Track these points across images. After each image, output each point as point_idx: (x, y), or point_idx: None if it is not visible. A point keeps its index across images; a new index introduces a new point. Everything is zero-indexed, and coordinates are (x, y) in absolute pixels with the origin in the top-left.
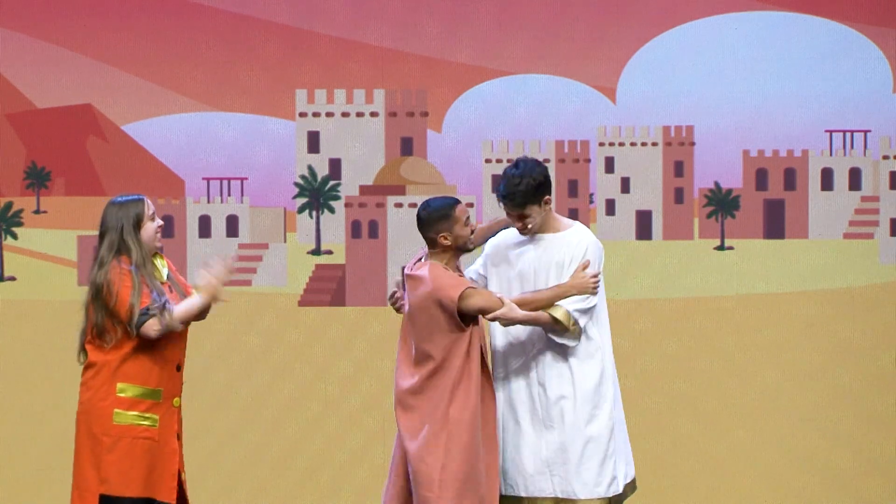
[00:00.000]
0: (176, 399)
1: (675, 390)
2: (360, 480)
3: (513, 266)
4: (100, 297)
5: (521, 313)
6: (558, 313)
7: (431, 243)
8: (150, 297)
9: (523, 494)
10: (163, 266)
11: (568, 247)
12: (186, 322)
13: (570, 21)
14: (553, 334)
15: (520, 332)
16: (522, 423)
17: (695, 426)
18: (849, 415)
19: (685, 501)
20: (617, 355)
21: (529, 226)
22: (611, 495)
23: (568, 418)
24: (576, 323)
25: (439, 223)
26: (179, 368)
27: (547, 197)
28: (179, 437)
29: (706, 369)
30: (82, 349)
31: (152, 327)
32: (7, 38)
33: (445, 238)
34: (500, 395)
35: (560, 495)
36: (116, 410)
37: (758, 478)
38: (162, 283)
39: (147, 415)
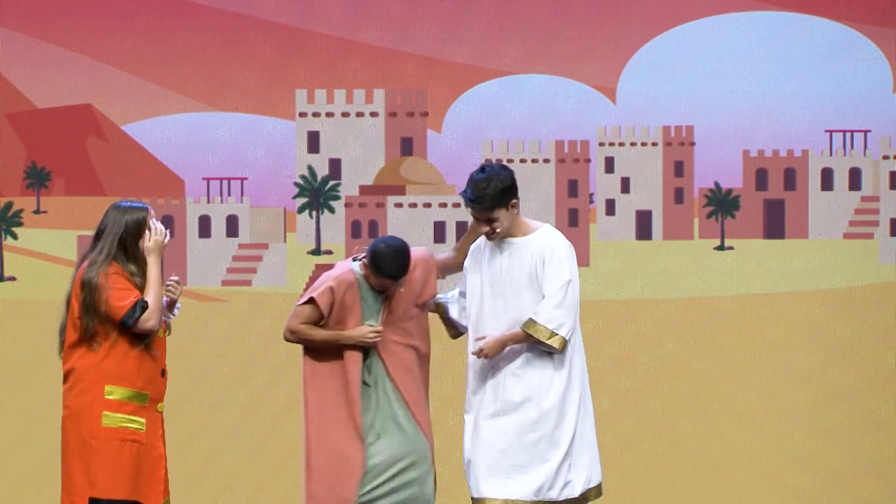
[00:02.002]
0: (160, 404)
1: (674, 390)
2: None
3: (484, 273)
4: (90, 302)
5: (498, 339)
6: (531, 328)
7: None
8: (137, 295)
9: (475, 496)
10: None
11: (537, 250)
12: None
13: (570, 21)
14: (540, 346)
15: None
16: (484, 425)
17: (694, 426)
18: (848, 415)
19: (685, 501)
20: (617, 356)
21: (497, 230)
22: (563, 499)
23: (530, 420)
24: (554, 334)
25: (377, 271)
26: (164, 374)
27: (514, 201)
28: (163, 444)
29: (706, 369)
30: (62, 348)
31: (147, 321)
32: (7, 38)
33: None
34: (472, 401)
35: (510, 497)
36: (105, 413)
37: (757, 478)
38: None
39: (134, 418)
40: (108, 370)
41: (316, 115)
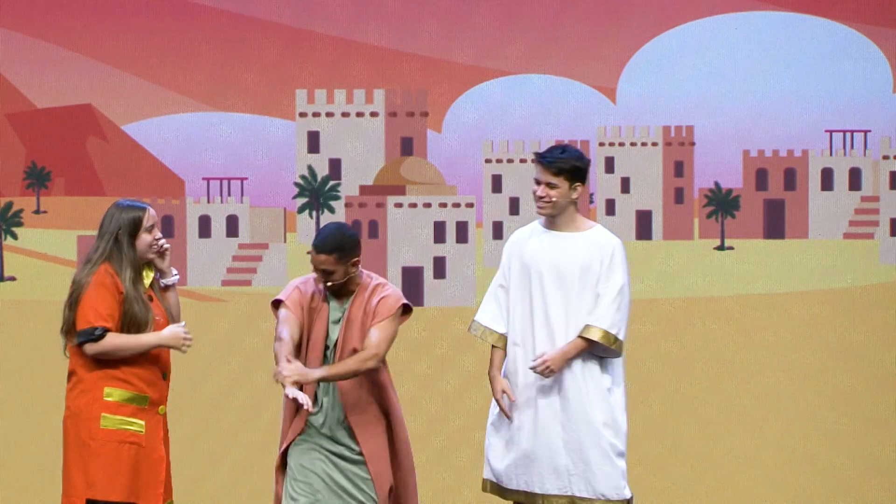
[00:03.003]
0: (161, 407)
1: (675, 391)
2: None
3: (528, 265)
4: (74, 301)
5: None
6: (596, 335)
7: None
8: (106, 318)
9: (538, 491)
10: (148, 276)
11: (594, 248)
12: (121, 353)
13: (570, 21)
14: (597, 352)
15: (539, 338)
16: (542, 423)
17: (695, 426)
18: (849, 415)
19: (685, 501)
20: None
21: (553, 199)
22: (628, 496)
23: (592, 418)
24: (617, 340)
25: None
26: (165, 377)
27: (580, 185)
28: (166, 446)
29: (706, 370)
30: (66, 347)
31: (90, 349)
32: (7, 38)
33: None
34: (521, 396)
35: (583, 495)
36: (104, 415)
37: (758, 478)
38: (145, 291)
39: (133, 420)
40: (108, 371)
41: (316, 115)
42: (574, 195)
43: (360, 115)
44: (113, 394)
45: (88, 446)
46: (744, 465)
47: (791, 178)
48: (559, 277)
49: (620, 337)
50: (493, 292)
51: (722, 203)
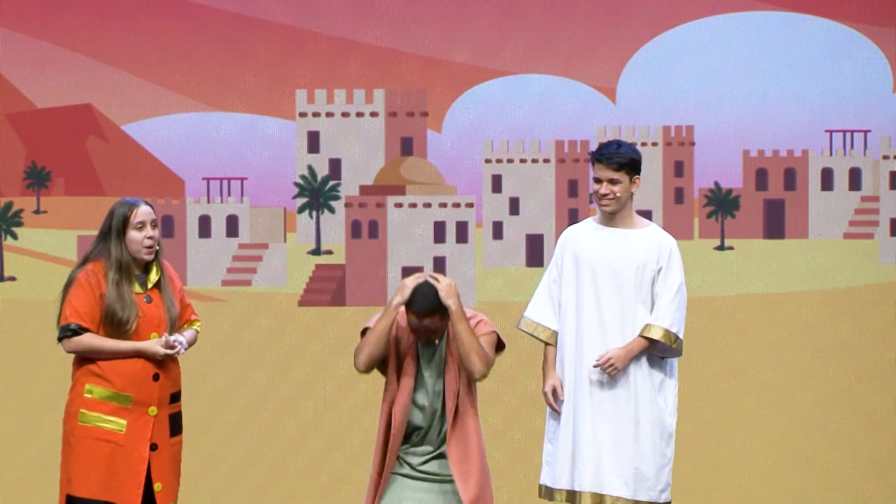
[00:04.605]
0: (153, 408)
1: None
2: (359, 480)
3: (585, 260)
4: (61, 297)
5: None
6: (657, 334)
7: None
8: (82, 316)
9: (577, 489)
10: (152, 276)
11: (652, 246)
12: (91, 353)
13: (570, 21)
14: (657, 352)
15: (589, 335)
16: (588, 421)
17: (694, 426)
18: (848, 415)
19: (685, 501)
20: None
21: (618, 194)
22: (665, 501)
23: (639, 419)
24: (677, 339)
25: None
26: (157, 378)
27: (637, 177)
28: (157, 448)
29: (706, 369)
30: None
31: (64, 346)
32: (7, 38)
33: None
34: (569, 393)
35: (619, 495)
36: (82, 411)
37: (757, 478)
38: (137, 294)
39: (111, 418)
40: (90, 368)
41: (316, 115)
42: (634, 188)
43: (360, 115)
44: (93, 391)
45: (69, 442)
46: (743, 464)
47: (791, 178)
48: (613, 274)
49: (681, 336)
50: (545, 288)
51: (722, 203)
